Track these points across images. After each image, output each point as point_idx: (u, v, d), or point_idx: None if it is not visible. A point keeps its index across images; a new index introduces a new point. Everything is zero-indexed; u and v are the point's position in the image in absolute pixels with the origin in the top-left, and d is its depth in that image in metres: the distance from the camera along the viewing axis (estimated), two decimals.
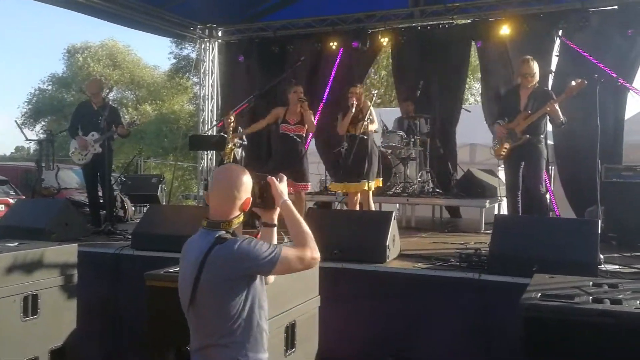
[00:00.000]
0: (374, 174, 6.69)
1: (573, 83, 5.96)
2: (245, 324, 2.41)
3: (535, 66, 6.15)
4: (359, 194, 6.70)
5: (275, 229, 2.63)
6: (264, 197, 2.55)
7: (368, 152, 6.59)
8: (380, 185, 7.12)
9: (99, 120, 7.19)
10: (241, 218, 2.51)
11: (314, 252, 2.51)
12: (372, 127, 6.71)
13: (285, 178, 2.64)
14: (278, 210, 2.60)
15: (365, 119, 6.52)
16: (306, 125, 6.84)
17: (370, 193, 6.68)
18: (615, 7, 8.31)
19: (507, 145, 6.16)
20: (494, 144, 6.41)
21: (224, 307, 2.37)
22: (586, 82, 5.81)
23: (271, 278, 2.74)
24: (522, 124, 6.04)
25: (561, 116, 6.02)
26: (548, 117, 6.12)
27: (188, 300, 2.43)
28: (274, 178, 2.56)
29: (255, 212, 2.63)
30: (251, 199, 2.51)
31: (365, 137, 6.60)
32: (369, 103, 6.77)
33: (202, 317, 2.43)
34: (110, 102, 7.76)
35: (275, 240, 2.62)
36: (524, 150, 6.11)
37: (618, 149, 8.02)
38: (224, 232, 2.44)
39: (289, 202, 2.57)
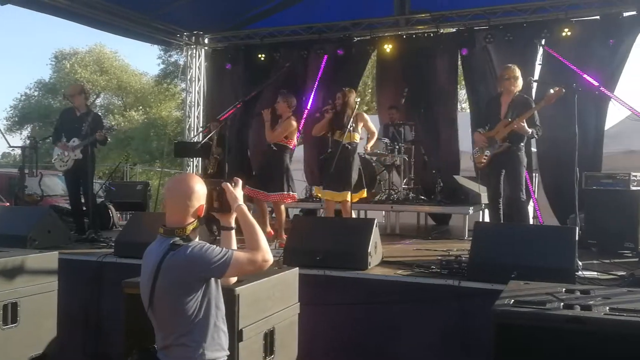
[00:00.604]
0: (351, 184, 6.59)
1: (551, 91, 6.00)
2: (202, 325, 2.55)
3: (517, 72, 6.18)
4: (336, 203, 6.73)
5: (233, 231, 2.76)
6: (220, 202, 2.70)
7: (348, 162, 6.54)
8: (365, 196, 7.07)
9: (82, 127, 7.19)
10: (195, 224, 2.64)
11: (265, 254, 2.64)
12: (358, 136, 6.74)
13: (240, 182, 2.78)
14: (235, 214, 2.74)
15: (349, 126, 6.47)
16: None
17: (349, 204, 6.58)
18: (598, 17, 8.44)
19: (487, 153, 6.19)
20: (475, 152, 6.44)
21: (180, 309, 2.51)
22: (564, 90, 5.85)
23: (232, 279, 2.90)
24: (502, 132, 6.07)
25: (538, 124, 6.04)
26: (526, 122, 6.09)
27: (147, 304, 2.59)
28: (227, 184, 2.70)
29: (215, 217, 2.78)
30: (205, 205, 2.65)
31: (349, 146, 6.57)
32: (364, 115, 6.85)
33: (161, 319, 2.58)
34: (95, 109, 7.75)
35: (234, 242, 2.76)
36: (504, 158, 6.13)
37: (598, 157, 8.13)
38: (178, 238, 2.58)
39: (244, 207, 2.71)
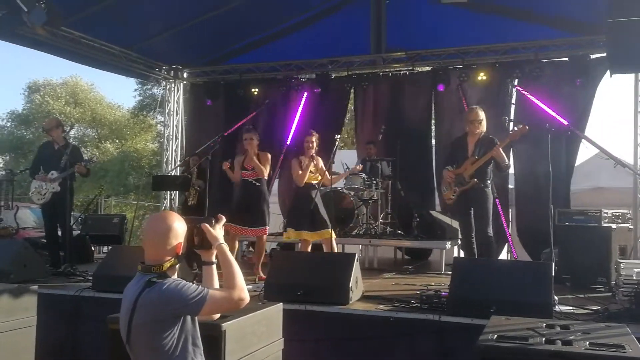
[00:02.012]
0: (328, 222, 6.79)
1: (515, 128, 6.31)
2: None
3: (482, 114, 6.41)
4: (311, 243, 6.85)
5: (214, 266, 2.80)
6: (200, 239, 2.76)
7: (325, 200, 6.79)
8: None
9: (60, 160, 7.17)
10: (173, 261, 2.66)
11: (241, 293, 2.67)
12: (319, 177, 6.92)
13: (222, 220, 2.84)
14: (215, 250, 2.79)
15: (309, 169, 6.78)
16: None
17: (333, 239, 6.75)
18: (566, 58, 8.77)
19: (455, 189, 6.38)
20: (443, 188, 6.63)
21: (156, 346, 2.53)
22: (527, 128, 6.11)
23: (215, 315, 2.92)
24: (469, 169, 6.28)
25: (506, 160, 6.28)
26: (493, 162, 6.35)
27: (125, 340, 2.62)
28: (206, 225, 2.76)
29: (196, 253, 2.83)
30: (183, 243, 2.69)
31: (316, 186, 6.84)
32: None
33: (138, 356, 2.61)
34: (71, 141, 7.72)
35: (216, 277, 2.79)
36: (472, 195, 6.32)
37: (567, 194, 8.35)
38: (154, 275, 2.60)
39: (224, 246, 2.76)
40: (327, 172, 6.93)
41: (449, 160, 6.68)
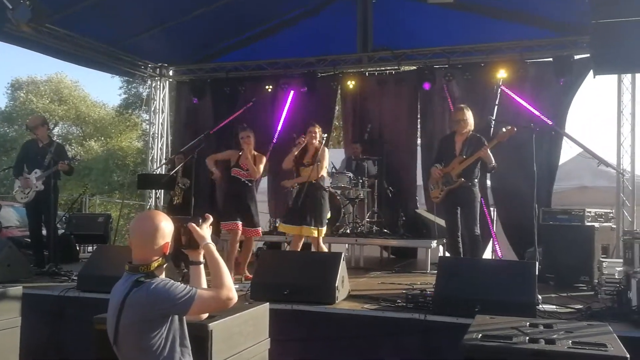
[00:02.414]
0: (323, 220, 6.64)
1: (504, 130, 6.34)
2: None
3: (468, 114, 6.49)
4: (302, 238, 6.70)
5: (202, 266, 2.79)
6: (188, 239, 2.75)
7: (317, 197, 6.56)
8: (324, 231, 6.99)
9: (45, 158, 7.11)
10: (161, 261, 2.66)
11: (229, 292, 2.67)
12: (322, 172, 6.70)
13: (210, 220, 2.82)
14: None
15: (315, 163, 6.50)
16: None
17: (320, 238, 6.65)
18: (551, 59, 8.85)
19: (443, 188, 6.44)
20: (431, 187, 6.67)
21: (144, 346, 2.53)
22: (515, 130, 6.20)
23: (203, 315, 2.92)
24: (457, 168, 6.35)
25: (493, 161, 6.33)
26: (480, 162, 6.42)
27: (113, 340, 2.61)
28: (193, 224, 2.74)
29: (183, 253, 2.83)
30: (170, 243, 2.69)
31: (315, 182, 6.56)
32: (325, 151, 6.72)
33: (126, 356, 2.61)
34: (56, 139, 7.66)
35: (203, 276, 2.78)
36: (459, 194, 6.38)
37: (549, 193, 8.43)
38: (142, 275, 2.60)
39: (211, 245, 2.75)
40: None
41: (437, 158, 6.72)
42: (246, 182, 6.74)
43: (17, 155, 7.82)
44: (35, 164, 7.19)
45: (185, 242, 2.76)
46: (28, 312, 4.72)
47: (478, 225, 6.45)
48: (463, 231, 6.47)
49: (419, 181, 9.72)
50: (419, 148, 9.91)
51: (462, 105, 6.73)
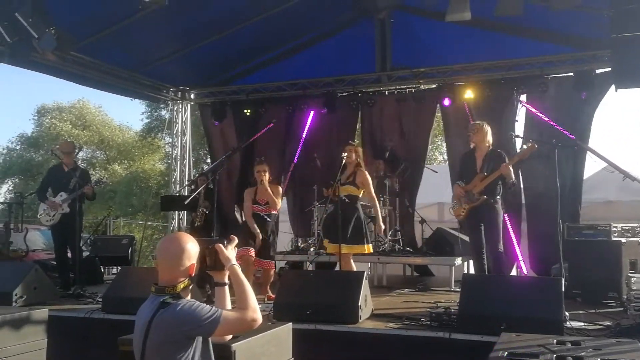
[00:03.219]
0: (358, 238, 6.60)
1: (524, 146, 6.33)
2: None
3: (486, 127, 6.47)
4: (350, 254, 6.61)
5: (227, 287, 2.81)
6: (213, 260, 2.77)
7: (352, 215, 6.57)
8: (371, 251, 7.00)
9: (70, 182, 7.26)
10: (187, 282, 2.68)
11: (254, 314, 2.68)
12: (358, 191, 6.67)
13: (235, 241, 2.85)
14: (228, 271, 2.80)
15: (346, 180, 6.55)
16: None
17: (350, 256, 6.61)
18: (572, 74, 8.79)
19: (465, 206, 6.41)
20: (453, 204, 6.63)
21: None
22: (536, 146, 6.16)
23: (227, 336, 2.91)
24: (479, 186, 6.31)
25: (513, 177, 6.31)
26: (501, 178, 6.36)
27: None
28: (220, 245, 2.77)
29: (208, 274, 2.85)
30: (196, 264, 2.70)
31: (348, 200, 6.56)
32: (363, 171, 6.71)
33: None
34: (78, 162, 7.81)
35: (228, 298, 2.80)
36: (482, 211, 6.33)
37: (576, 208, 8.33)
38: (168, 296, 2.61)
39: (236, 267, 2.77)
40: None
41: (459, 176, 6.70)
42: (265, 217, 6.83)
43: (42, 180, 7.99)
44: (61, 187, 7.34)
45: (210, 264, 2.79)
46: (54, 334, 4.77)
47: (501, 242, 6.38)
48: (487, 248, 6.39)
49: (440, 199, 9.67)
50: (441, 165, 9.89)
51: (478, 122, 6.69)
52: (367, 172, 6.77)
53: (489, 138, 6.45)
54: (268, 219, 6.84)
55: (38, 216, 7.60)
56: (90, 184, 7.37)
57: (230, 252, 2.79)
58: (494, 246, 6.30)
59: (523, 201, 8.89)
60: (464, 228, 7.56)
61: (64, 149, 7.76)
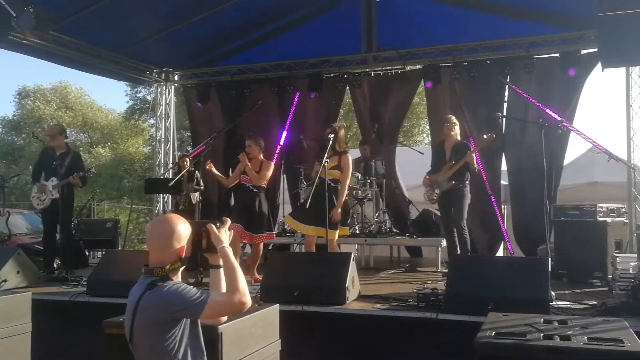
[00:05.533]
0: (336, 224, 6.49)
1: (484, 136, 6.95)
2: None
3: (454, 125, 7.13)
4: (315, 237, 6.62)
5: (221, 269, 2.75)
6: (208, 242, 2.72)
7: (331, 198, 6.41)
8: (347, 234, 7.05)
9: (62, 167, 7.17)
10: (176, 265, 2.65)
11: (243, 297, 2.63)
12: (338, 173, 6.56)
13: (227, 223, 2.79)
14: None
15: (323, 161, 6.32)
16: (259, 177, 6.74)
17: (334, 239, 6.54)
18: (557, 54, 8.78)
19: (437, 191, 7.10)
20: (427, 190, 7.24)
21: (158, 348, 2.52)
22: (494, 136, 6.91)
23: (223, 318, 2.88)
24: (447, 173, 6.96)
25: (475, 164, 6.90)
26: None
27: (129, 342, 2.61)
28: (212, 226, 2.71)
29: (202, 255, 2.79)
30: (186, 246, 2.66)
31: (332, 183, 6.46)
32: (347, 156, 6.65)
33: (141, 357, 2.60)
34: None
35: (222, 280, 2.74)
36: (452, 194, 6.97)
37: (555, 189, 8.36)
38: (157, 278, 2.59)
39: (227, 249, 2.71)
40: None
41: (432, 165, 7.34)
42: (251, 187, 6.73)
43: (35, 162, 7.94)
44: (53, 172, 7.24)
45: (205, 246, 2.74)
46: (39, 317, 4.73)
47: (465, 220, 6.95)
48: (454, 227, 6.94)
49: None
50: (427, 146, 9.88)
51: (449, 117, 7.28)
52: (349, 156, 6.76)
53: (457, 130, 7.15)
54: (255, 190, 6.74)
55: (30, 198, 7.62)
56: (75, 176, 7.23)
57: (223, 234, 2.74)
58: (458, 224, 6.92)
59: (504, 182, 8.93)
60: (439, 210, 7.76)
61: (50, 132, 7.68)
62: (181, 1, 8.44)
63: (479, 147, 7.18)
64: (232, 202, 7.06)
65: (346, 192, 6.72)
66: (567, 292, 5.49)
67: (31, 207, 7.95)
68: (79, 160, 7.68)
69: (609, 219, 6.52)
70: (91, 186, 22.70)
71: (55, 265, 7.26)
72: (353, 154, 10.04)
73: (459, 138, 7.19)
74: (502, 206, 9.11)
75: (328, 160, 6.42)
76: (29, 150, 28.15)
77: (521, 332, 2.94)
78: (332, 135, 6.46)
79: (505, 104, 8.95)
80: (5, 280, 5.86)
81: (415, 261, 8.97)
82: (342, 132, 6.80)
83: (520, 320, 3.24)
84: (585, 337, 2.79)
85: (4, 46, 8.07)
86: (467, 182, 7.00)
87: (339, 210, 6.46)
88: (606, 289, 5.72)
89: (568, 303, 4.92)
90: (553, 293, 4.71)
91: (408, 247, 9.57)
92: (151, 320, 2.53)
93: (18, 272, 6.14)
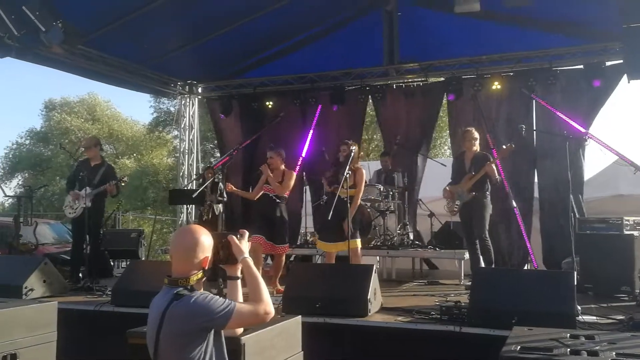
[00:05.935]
0: (352, 234, 6.52)
1: (504, 147, 6.94)
2: None
3: (476, 134, 7.11)
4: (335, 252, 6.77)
5: (239, 281, 2.79)
6: (226, 254, 2.74)
7: (345, 213, 6.42)
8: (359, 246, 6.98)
9: (95, 178, 7.38)
10: (200, 275, 2.66)
11: (267, 307, 2.66)
12: (353, 191, 6.60)
13: (246, 234, 2.81)
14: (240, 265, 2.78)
15: (342, 183, 6.32)
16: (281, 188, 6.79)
17: (358, 250, 6.62)
18: (581, 66, 8.70)
19: (458, 203, 7.07)
20: (447, 202, 7.22)
21: (184, 359, 2.50)
22: (513, 146, 6.88)
23: (239, 330, 2.90)
24: (468, 184, 6.95)
25: (496, 175, 6.89)
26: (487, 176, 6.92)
27: (153, 353, 2.59)
28: (233, 237, 2.75)
29: (221, 267, 2.81)
30: (209, 257, 2.68)
31: (345, 198, 6.44)
32: (361, 172, 6.75)
33: None
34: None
35: (240, 291, 2.78)
36: (472, 205, 6.94)
37: (580, 202, 8.24)
38: (181, 288, 2.59)
39: (248, 260, 2.74)
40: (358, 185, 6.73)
41: (452, 176, 7.32)
42: (273, 197, 6.78)
43: (70, 174, 8.16)
44: (86, 182, 7.37)
45: (223, 257, 2.76)
46: (64, 326, 4.78)
47: (486, 230, 6.89)
48: (476, 237, 6.90)
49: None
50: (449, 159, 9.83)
51: (469, 129, 7.24)
52: (363, 170, 6.88)
53: (478, 142, 7.12)
54: (277, 200, 6.78)
55: (63, 208, 7.79)
56: (111, 183, 7.41)
57: (243, 245, 2.77)
58: (480, 235, 6.87)
59: (536, 195, 8.84)
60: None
61: (85, 144, 7.91)
62: (205, 15, 8.55)
63: (499, 157, 7.19)
64: (252, 213, 7.09)
65: (359, 202, 6.82)
66: (593, 306, 5.40)
67: (58, 217, 8.09)
68: (113, 172, 7.88)
69: (636, 233, 6.40)
70: (117, 197, 23.02)
71: (80, 275, 7.35)
72: (374, 165, 10.11)
73: (478, 149, 7.19)
74: (532, 218, 8.97)
75: (347, 178, 6.40)
76: (55, 161, 28.57)
77: (547, 347, 2.89)
78: (346, 154, 6.58)
79: (528, 116, 8.88)
80: (32, 290, 5.94)
81: (436, 273, 8.90)
82: (356, 149, 6.77)
83: (545, 334, 3.19)
84: (614, 353, 2.74)
85: (33, 60, 8.25)
86: (487, 193, 6.98)
87: (348, 220, 6.45)
88: (634, 303, 5.62)
89: (594, 318, 4.83)
90: (579, 307, 4.64)
91: (426, 260, 9.49)
92: (179, 330, 2.52)
93: (44, 282, 6.22)
